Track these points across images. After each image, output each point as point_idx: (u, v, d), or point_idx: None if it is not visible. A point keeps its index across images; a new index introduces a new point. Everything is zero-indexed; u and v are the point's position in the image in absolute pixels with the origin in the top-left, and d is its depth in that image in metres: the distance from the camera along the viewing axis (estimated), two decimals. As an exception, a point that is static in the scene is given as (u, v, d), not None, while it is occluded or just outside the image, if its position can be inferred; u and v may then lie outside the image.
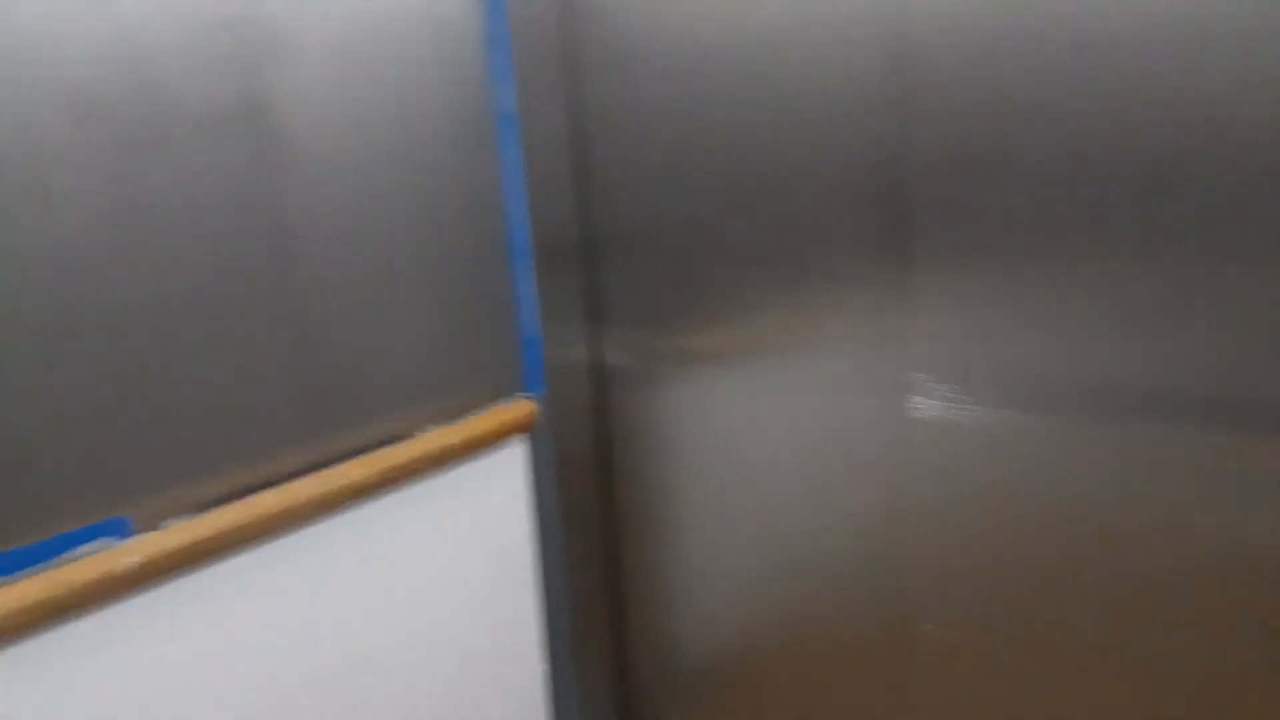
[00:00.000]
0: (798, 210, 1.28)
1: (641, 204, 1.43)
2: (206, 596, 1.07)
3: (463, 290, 1.37)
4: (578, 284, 1.52)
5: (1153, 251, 1.04)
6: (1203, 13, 0.98)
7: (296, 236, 1.15)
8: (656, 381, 1.50)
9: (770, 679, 1.49)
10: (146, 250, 1.01)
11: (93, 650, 0.98)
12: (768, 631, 1.47)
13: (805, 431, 1.35)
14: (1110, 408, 1.10)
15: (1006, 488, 1.18)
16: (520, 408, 1.43)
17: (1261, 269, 1.00)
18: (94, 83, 0.96)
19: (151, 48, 1.00)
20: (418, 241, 1.30)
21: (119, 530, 1.00)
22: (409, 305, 1.29)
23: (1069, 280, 1.10)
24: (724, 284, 1.38)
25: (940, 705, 1.29)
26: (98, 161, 0.97)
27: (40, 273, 0.93)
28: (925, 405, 1.22)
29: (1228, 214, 1.00)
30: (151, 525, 1.03)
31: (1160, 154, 1.02)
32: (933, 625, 1.27)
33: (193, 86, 1.04)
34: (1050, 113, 1.07)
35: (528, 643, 1.51)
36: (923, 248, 1.19)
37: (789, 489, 1.39)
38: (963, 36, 1.12)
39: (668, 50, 1.36)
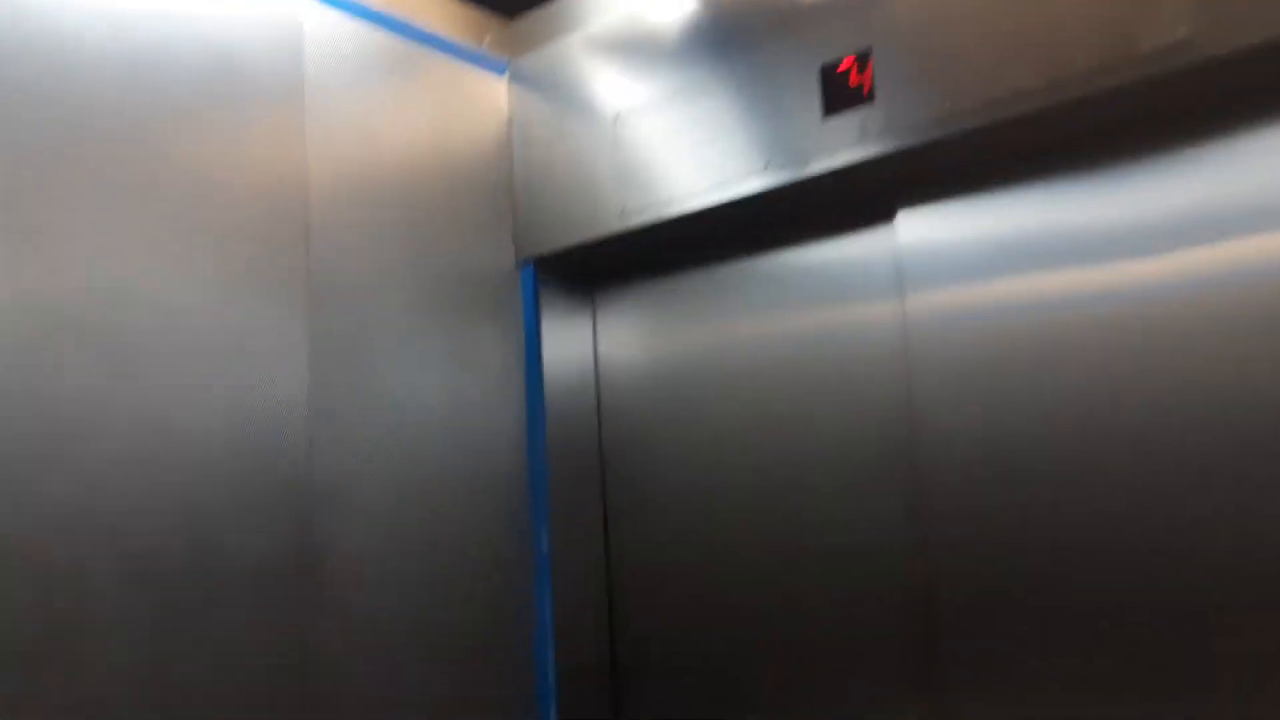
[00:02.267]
0: (825, 640, 1.27)
1: (670, 638, 1.43)
2: None
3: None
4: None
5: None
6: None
7: (327, 695, 1.14)
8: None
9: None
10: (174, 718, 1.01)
11: None
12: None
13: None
14: None
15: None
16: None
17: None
18: (149, 543, 1.01)
19: (206, 506, 1.07)
20: (449, 682, 1.29)
21: None
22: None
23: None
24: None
25: None
26: (142, 626, 0.99)
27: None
28: None
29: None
30: None
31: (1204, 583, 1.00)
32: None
33: (246, 543, 1.09)
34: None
35: None
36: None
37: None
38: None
39: (695, 488, 1.42)
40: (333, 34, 1.26)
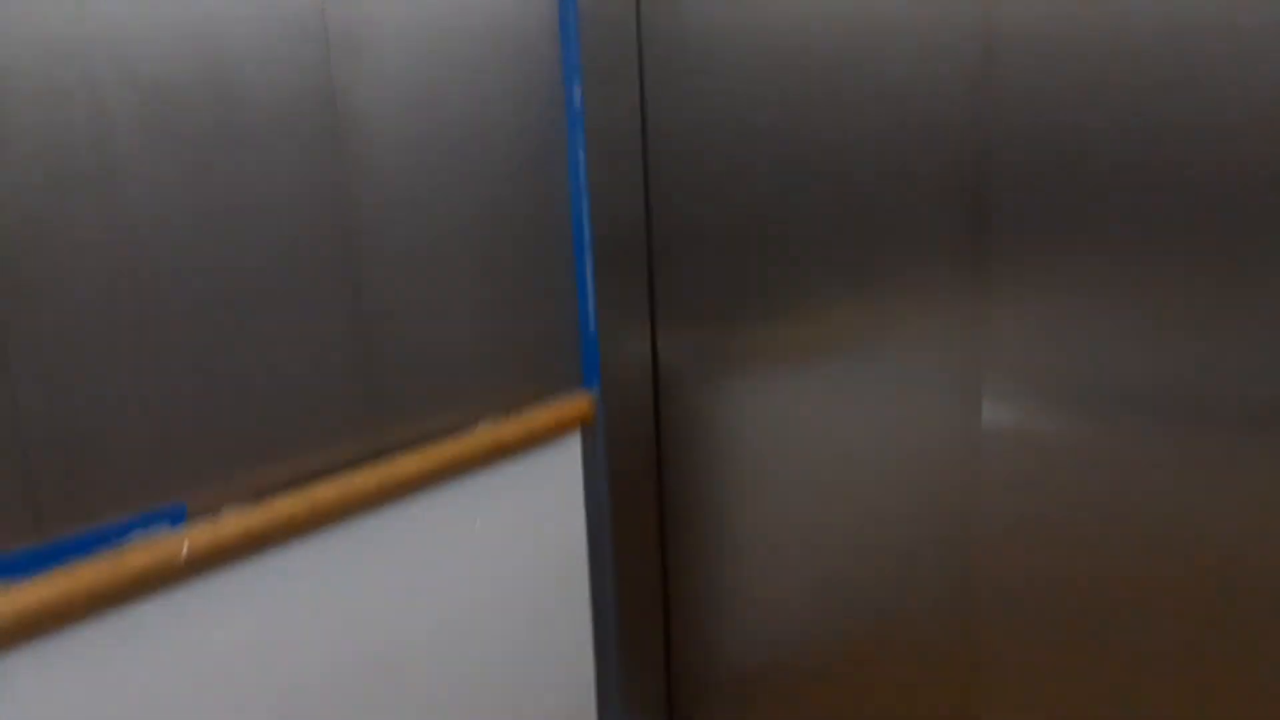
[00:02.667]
0: (868, 208, 1.24)
1: (707, 201, 1.40)
2: (262, 585, 1.07)
3: (525, 284, 1.35)
4: (639, 281, 1.48)
5: (1250, 255, 0.98)
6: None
7: (362, 229, 1.13)
8: (715, 380, 1.47)
9: (821, 686, 1.46)
10: (214, 243, 1.00)
11: (148, 636, 0.98)
12: (820, 638, 1.44)
13: (868, 435, 1.31)
14: (1196, 415, 1.04)
15: (1082, 498, 1.13)
16: (578, 403, 1.41)
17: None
18: (167, 78, 0.95)
19: (224, 40, 0.99)
20: (482, 235, 1.28)
21: (176, 517, 1.00)
22: (471, 298, 1.27)
23: (1155, 283, 1.04)
24: (788, 283, 1.34)
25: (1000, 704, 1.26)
26: (170, 156, 0.95)
27: (109, 264, 0.92)
28: (998, 411, 1.18)
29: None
30: (209, 513, 1.03)
31: (1257, 160, 0.96)
32: (997, 639, 1.23)
33: (265, 79, 1.02)
34: (1137, 111, 1.02)
35: (578, 639, 1.49)
36: (1000, 247, 1.13)
37: (849, 493, 1.35)
38: (1051, 28, 1.06)
39: (737, 45, 1.31)
40: None
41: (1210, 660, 1.09)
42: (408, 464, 1.17)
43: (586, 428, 1.44)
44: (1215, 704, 1.10)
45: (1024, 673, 1.23)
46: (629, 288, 1.46)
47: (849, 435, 1.33)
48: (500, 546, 1.34)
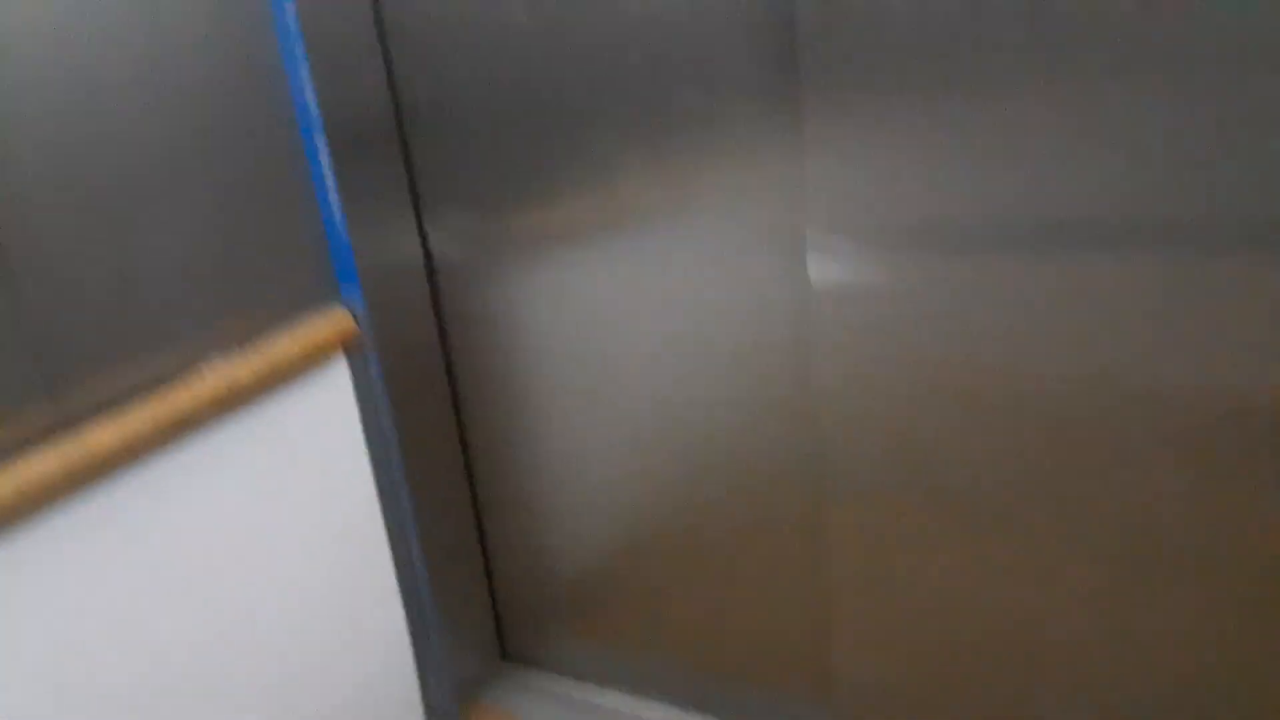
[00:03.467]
0: (656, 53, 1.04)
1: (465, 64, 1.16)
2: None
3: (241, 184, 1.08)
4: (392, 168, 1.24)
5: (1078, 71, 0.86)
6: None
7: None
8: (499, 271, 1.27)
9: (663, 582, 1.36)
10: None
11: None
12: (655, 533, 1.33)
13: (684, 310, 1.16)
14: (1028, 245, 0.94)
15: (923, 352, 1.03)
16: (334, 320, 1.18)
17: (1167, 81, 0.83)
18: None
19: None
20: (169, 124, 1.00)
21: None
22: (166, 210, 1.01)
23: (979, 109, 0.91)
24: (570, 147, 1.14)
25: (853, 591, 1.19)
26: None
27: None
28: (824, 263, 1.04)
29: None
30: None
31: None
32: (843, 507, 1.15)
33: None
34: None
35: (381, 585, 1.32)
36: (813, 77, 0.97)
37: (669, 375, 1.21)
38: None
39: None
40: None
41: (1063, 512, 1.03)
42: (103, 433, 0.93)
43: (351, 347, 1.22)
44: (1073, 562, 1.05)
45: (874, 546, 1.15)
46: (377, 175, 1.22)
47: (663, 312, 1.18)
48: (265, 504, 1.13)
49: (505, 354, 1.32)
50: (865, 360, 1.06)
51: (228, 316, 1.08)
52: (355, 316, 1.21)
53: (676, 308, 1.17)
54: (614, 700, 1.48)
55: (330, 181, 1.16)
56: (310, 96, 1.12)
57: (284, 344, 1.12)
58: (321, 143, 1.14)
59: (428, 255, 1.31)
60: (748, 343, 1.15)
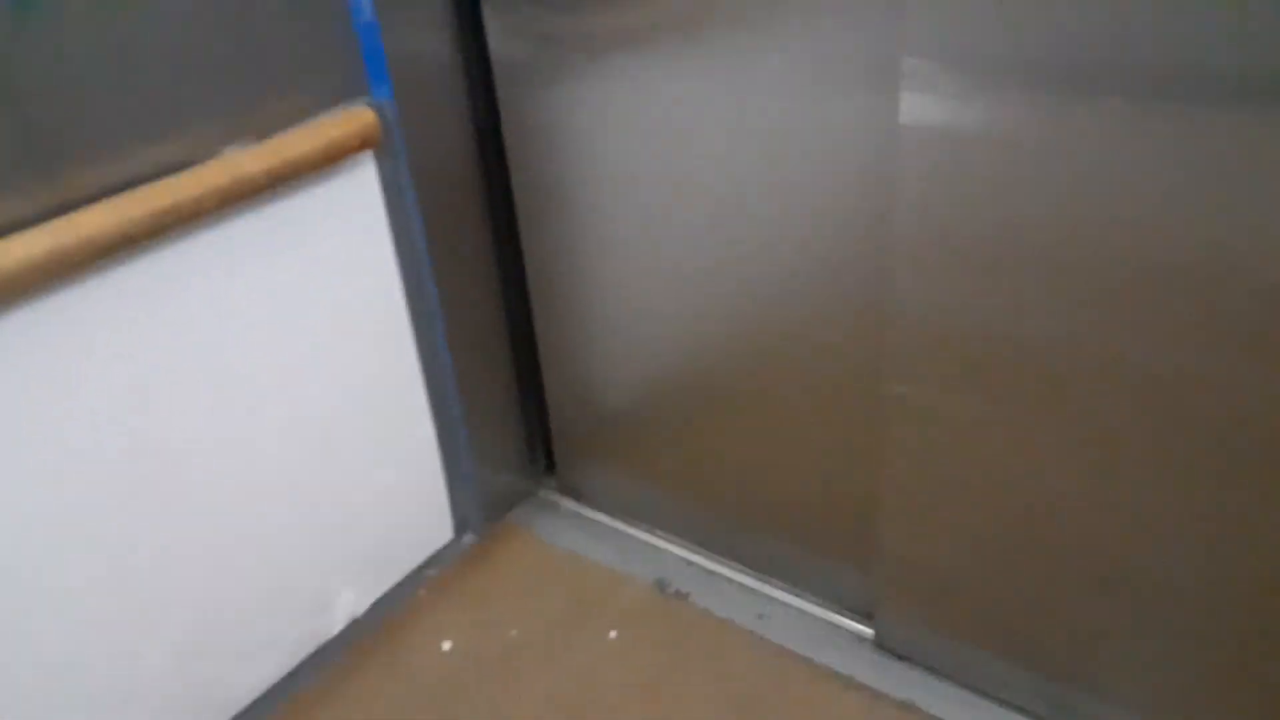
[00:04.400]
0: None
1: None
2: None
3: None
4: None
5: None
6: None
7: None
8: (556, 75, 1.15)
9: (708, 427, 1.30)
10: None
11: None
12: (705, 375, 1.25)
13: (757, 136, 1.03)
14: (1156, 93, 0.77)
15: (1015, 207, 0.88)
16: (360, 118, 1.10)
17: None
18: None
19: None
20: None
21: None
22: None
23: None
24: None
25: (905, 461, 1.09)
26: None
27: None
28: (917, 98, 0.88)
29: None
30: None
31: None
32: (905, 371, 1.04)
33: None
34: None
35: (408, 391, 1.30)
36: None
37: (734, 208, 1.10)
38: None
39: None
40: None
41: (1137, 401, 0.91)
42: (95, 219, 0.89)
43: (380, 148, 1.15)
44: (1134, 456, 0.93)
45: (931, 415, 1.05)
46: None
47: (736, 138, 1.05)
48: (281, 306, 1.10)
49: (562, 167, 1.21)
50: (951, 216, 0.91)
51: (244, 107, 1.01)
52: (384, 115, 1.13)
53: (750, 135, 1.03)
54: (646, 537, 1.46)
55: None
56: None
57: (305, 139, 1.05)
58: None
59: (473, 51, 1.20)
60: (823, 182, 1.01)
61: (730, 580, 1.37)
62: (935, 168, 0.90)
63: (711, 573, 1.39)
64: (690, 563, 1.40)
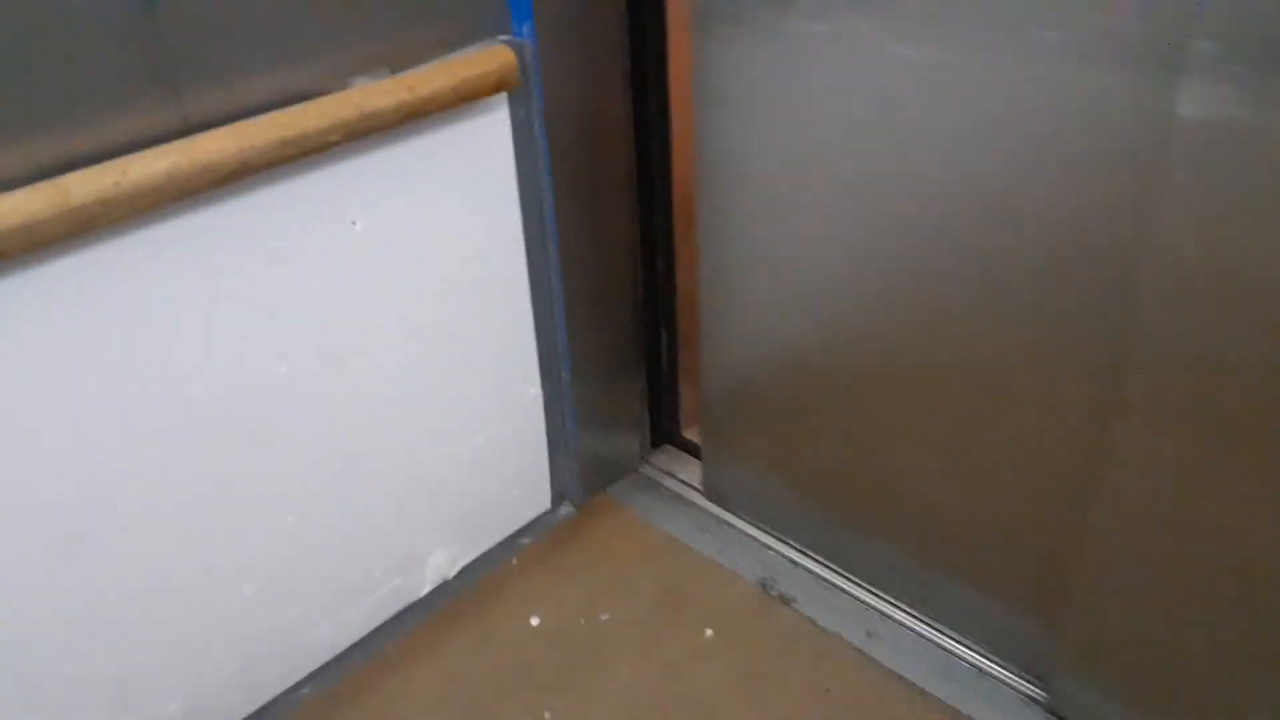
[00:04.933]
0: None
1: None
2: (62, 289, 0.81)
3: None
4: None
5: None
6: None
7: None
8: (759, 26, 1.00)
9: (863, 432, 1.18)
10: None
11: None
12: (877, 380, 1.11)
13: (994, 117, 0.87)
14: None
15: None
16: (495, 56, 1.03)
17: None
18: None
19: None
20: None
21: None
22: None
23: None
24: None
25: (1118, 511, 0.93)
26: None
27: None
28: (1201, 87, 0.73)
29: None
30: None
31: None
32: (1137, 411, 0.88)
33: None
34: None
35: (518, 351, 1.23)
36: None
37: (949, 196, 0.94)
38: None
39: None
40: None
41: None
42: (217, 143, 0.84)
43: (515, 91, 1.07)
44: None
45: (1160, 464, 0.90)
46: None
47: (972, 115, 0.89)
48: (397, 246, 1.04)
49: (751, 128, 1.07)
50: (1232, 234, 0.76)
51: (379, 37, 0.95)
52: (524, 56, 1.05)
53: (986, 117, 0.88)
54: (753, 531, 1.37)
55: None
56: None
57: (439, 76, 0.97)
58: None
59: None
60: (1068, 182, 0.85)
61: (840, 590, 1.27)
62: (1218, 173, 0.74)
63: (820, 579, 1.29)
64: (797, 564, 1.31)
